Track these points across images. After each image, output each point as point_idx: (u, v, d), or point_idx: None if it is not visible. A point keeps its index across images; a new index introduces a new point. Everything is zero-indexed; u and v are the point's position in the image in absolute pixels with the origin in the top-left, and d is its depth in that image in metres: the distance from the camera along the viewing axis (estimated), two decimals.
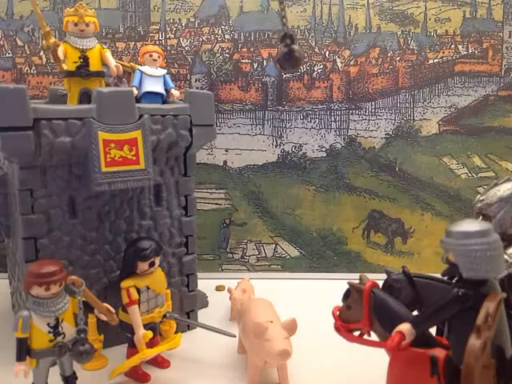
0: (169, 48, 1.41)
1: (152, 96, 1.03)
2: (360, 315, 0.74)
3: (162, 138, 0.96)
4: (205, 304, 1.20)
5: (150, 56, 1.05)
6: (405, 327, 0.67)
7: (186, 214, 1.05)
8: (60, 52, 0.98)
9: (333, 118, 1.44)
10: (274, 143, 1.45)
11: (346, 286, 0.77)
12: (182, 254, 1.06)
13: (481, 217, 0.77)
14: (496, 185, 0.77)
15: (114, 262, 0.98)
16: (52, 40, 1.00)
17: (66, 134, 0.87)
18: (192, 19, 1.42)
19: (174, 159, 1.02)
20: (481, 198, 0.77)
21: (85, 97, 0.97)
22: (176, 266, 1.05)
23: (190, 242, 1.06)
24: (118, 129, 0.90)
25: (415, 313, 0.79)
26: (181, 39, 1.42)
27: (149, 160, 0.93)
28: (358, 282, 0.76)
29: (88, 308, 0.79)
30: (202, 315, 1.11)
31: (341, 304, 0.78)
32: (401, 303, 0.73)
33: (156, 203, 1.01)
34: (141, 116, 0.93)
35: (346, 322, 0.76)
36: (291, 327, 0.83)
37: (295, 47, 0.62)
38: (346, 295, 0.77)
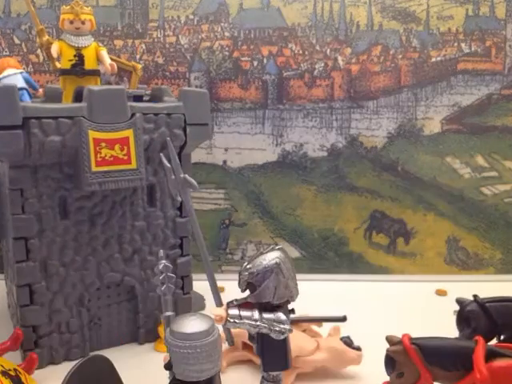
0: (167, 46, 1.40)
1: None
2: (416, 374, 0.68)
3: (155, 137, 0.95)
4: (202, 306, 1.18)
5: None
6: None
7: (181, 214, 1.04)
8: (53, 50, 0.97)
9: (334, 116, 1.42)
10: (275, 142, 1.43)
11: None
12: (177, 255, 1.04)
13: (246, 285, 0.72)
14: (261, 254, 0.73)
15: (107, 264, 0.97)
16: (45, 38, 1.00)
17: (56, 132, 0.86)
18: (191, 16, 1.40)
19: (167, 159, 1.01)
20: (247, 267, 0.72)
21: (80, 95, 0.96)
22: None
23: (184, 244, 1.05)
24: (109, 128, 0.89)
25: (494, 341, 0.78)
26: (180, 37, 1.40)
27: (141, 159, 0.92)
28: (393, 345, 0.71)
29: None
30: None
31: (387, 376, 0.72)
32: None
33: (149, 204, 1.00)
34: (133, 115, 0.92)
35: None
36: None
37: None
38: (390, 364, 0.71)
